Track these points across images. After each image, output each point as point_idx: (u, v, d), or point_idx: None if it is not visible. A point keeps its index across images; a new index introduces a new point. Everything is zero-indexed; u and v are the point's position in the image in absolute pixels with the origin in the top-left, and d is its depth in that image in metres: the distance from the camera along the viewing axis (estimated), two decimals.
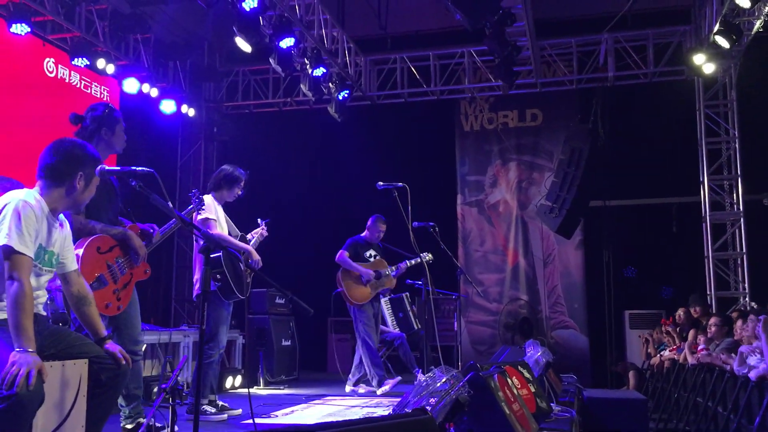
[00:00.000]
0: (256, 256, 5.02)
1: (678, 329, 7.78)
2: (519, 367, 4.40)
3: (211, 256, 4.65)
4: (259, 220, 5.45)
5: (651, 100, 9.67)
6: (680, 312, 7.95)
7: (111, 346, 2.87)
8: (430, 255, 7.08)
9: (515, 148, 10.53)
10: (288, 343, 8.29)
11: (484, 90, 10.14)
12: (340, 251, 6.88)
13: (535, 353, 5.34)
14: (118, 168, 2.94)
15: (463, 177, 10.68)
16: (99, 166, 2.88)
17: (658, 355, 7.94)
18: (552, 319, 10.04)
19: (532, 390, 4.37)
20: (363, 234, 7.10)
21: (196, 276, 5.04)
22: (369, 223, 7.09)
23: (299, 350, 8.51)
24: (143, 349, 4.02)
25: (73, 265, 3.02)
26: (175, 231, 4.14)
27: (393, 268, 6.96)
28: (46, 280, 2.87)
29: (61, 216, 2.96)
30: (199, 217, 4.75)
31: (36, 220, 2.69)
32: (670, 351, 7.59)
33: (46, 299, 2.89)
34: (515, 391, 3.81)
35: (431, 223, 6.21)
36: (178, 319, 10.04)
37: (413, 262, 6.98)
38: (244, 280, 4.87)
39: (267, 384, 7.60)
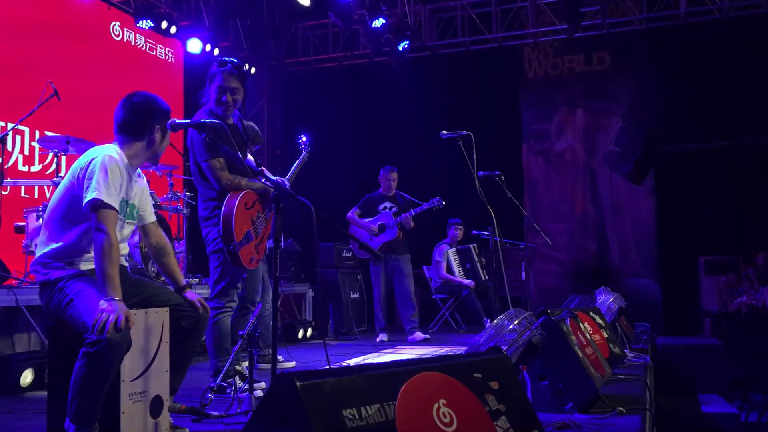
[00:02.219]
0: None
1: (757, 274, 7.52)
2: (591, 312, 4.35)
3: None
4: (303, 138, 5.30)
5: (726, 37, 9.18)
6: (760, 256, 7.67)
7: (190, 294, 2.96)
8: (442, 202, 6.94)
9: (582, 94, 10.21)
10: (356, 295, 8.40)
11: (548, 34, 9.83)
12: (353, 208, 6.94)
13: (606, 299, 5.26)
14: (188, 120, 2.99)
15: (528, 125, 10.46)
16: (169, 120, 2.92)
17: (736, 301, 7.70)
18: (623, 268, 9.83)
19: (605, 336, 4.31)
20: (379, 188, 7.06)
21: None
22: (380, 175, 7.05)
23: (368, 303, 8.62)
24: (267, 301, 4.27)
25: (151, 217, 3.10)
26: None
27: (397, 218, 6.87)
28: (128, 232, 2.96)
29: (138, 169, 3.03)
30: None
31: (120, 173, 2.77)
32: (748, 297, 7.36)
33: (128, 252, 3.00)
34: (588, 336, 3.77)
35: (497, 172, 6.12)
36: None
37: (419, 210, 6.88)
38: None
39: (337, 335, 7.75)
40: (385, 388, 1.62)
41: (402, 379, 1.67)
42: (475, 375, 1.86)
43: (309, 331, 7.40)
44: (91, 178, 2.71)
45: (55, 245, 2.77)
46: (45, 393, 3.80)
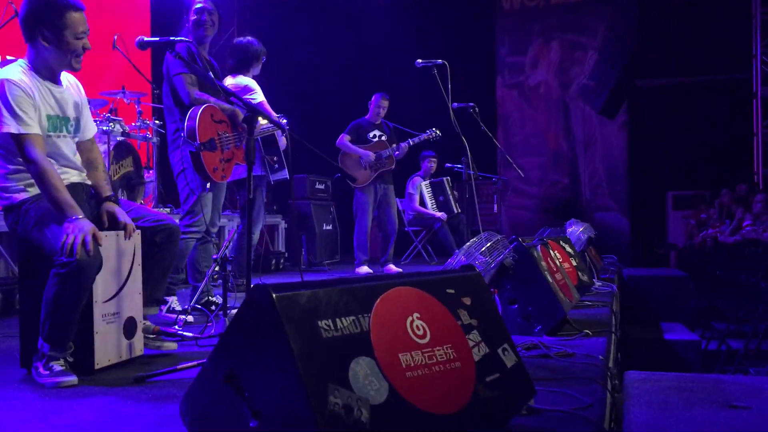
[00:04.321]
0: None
1: (723, 209, 7.68)
2: (561, 241, 4.41)
3: (266, 137, 4.71)
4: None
5: None
6: (724, 192, 7.81)
7: (110, 206, 2.82)
8: (437, 131, 6.91)
9: (557, 27, 10.11)
10: (329, 227, 8.43)
11: None
12: (341, 135, 6.76)
13: (576, 230, 5.34)
14: (157, 38, 2.89)
15: (503, 58, 10.38)
16: (138, 37, 2.82)
17: (701, 234, 7.88)
18: (593, 202, 9.97)
19: (574, 264, 4.40)
20: (366, 115, 6.94)
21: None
22: (371, 101, 6.91)
23: (340, 235, 8.65)
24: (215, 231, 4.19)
25: (90, 134, 2.94)
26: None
27: (394, 147, 6.80)
28: (72, 148, 2.82)
29: (72, 78, 2.87)
30: (258, 98, 4.65)
31: (27, 92, 2.60)
32: (713, 230, 7.53)
33: (79, 167, 2.86)
34: (557, 263, 3.84)
35: (471, 104, 6.07)
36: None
37: (416, 140, 6.83)
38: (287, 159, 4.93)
39: (310, 266, 7.79)
40: (360, 301, 1.63)
41: (377, 293, 1.68)
42: (449, 291, 1.88)
43: (282, 262, 7.43)
44: None
45: (7, 171, 2.69)
46: (13, 318, 3.79)
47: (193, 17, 3.95)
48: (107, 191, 2.87)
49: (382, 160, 6.69)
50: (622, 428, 2.15)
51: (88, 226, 2.49)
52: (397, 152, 6.73)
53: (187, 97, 3.74)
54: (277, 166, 4.77)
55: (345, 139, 6.70)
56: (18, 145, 2.57)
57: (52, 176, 2.57)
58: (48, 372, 2.47)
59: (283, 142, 4.80)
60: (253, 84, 4.67)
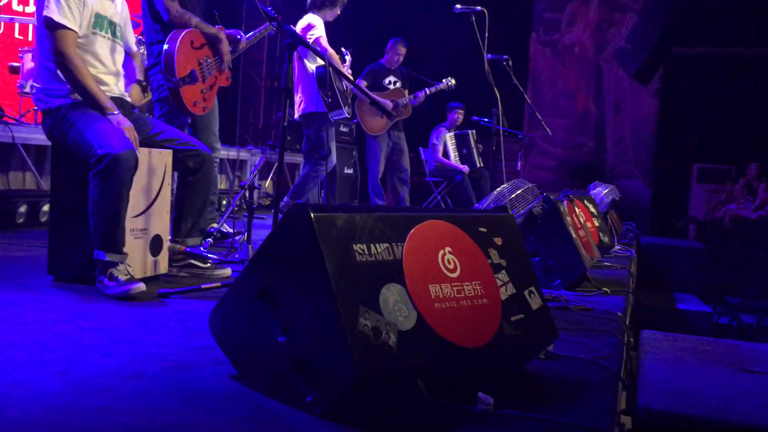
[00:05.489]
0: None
1: (747, 185, 7.58)
2: (585, 201, 4.39)
3: (320, 73, 4.71)
4: (342, 49, 5.34)
5: None
6: (752, 166, 7.70)
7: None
8: (453, 80, 6.80)
9: None
10: (350, 171, 8.42)
11: None
12: (357, 80, 6.63)
13: (600, 191, 5.31)
14: None
15: (540, 13, 10.14)
16: None
17: (723, 209, 7.81)
18: (616, 168, 9.87)
19: (596, 224, 4.38)
20: (382, 60, 6.83)
21: (299, 96, 5.05)
22: (387, 46, 6.78)
23: (360, 179, 8.64)
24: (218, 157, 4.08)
25: (134, 47, 3.05)
26: (248, 47, 4.08)
27: (411, 96, 6.71)
28: (120, 57, 2.87)
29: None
30: (316, 34, 4.70)
31: None
32: (737, 205, 7.45)
33: (123, 82, 2.91)
34: (581, 220, 3.83)
35: (505, 57, 5.97)
36: (243, 142, 10.25)
37: (433, 90, 6.74)
38: (347, 97, 4.92)
39: None
40: (394, 230, 1.64)
41: (411, 223, 1.69)
42: (481, 229, 1.88)
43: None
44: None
45: (49, 74, 2.71)
46: (39, 230, 3.86)
47: None
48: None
49: (399, 108, 6.64)
50: (636, 382, 2.17)
51: (126, 122, 2.54)
52: (413, 101, 6.66)
53: (166, 13, 3.53)
54: (330, 101, 4.75)
55: (362, 84, 6.63)
56: (53, 33, 2.60)
57: (82, 70, 2.61)
58: (114, 283, 2.50)
59: (345, 82, 4.80)
60: (315, 21, 4.79)
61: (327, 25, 5.11)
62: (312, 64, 4.90)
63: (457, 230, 1.80)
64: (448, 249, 1.74)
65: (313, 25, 4.76)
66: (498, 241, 1.91)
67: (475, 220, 1.90)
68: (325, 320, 1.46)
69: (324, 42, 4.79)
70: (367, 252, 1.56)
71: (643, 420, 1.83)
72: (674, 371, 2.19)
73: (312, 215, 1.50)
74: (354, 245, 1.54)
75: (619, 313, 2.82)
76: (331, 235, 1.51)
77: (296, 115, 5.21)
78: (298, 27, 4.92)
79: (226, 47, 3.60)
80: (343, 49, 5.34)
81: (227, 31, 3.71)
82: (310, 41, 4.76)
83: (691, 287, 6.55)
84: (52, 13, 2.58)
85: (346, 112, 5.00)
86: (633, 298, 3.77)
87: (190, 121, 3.71)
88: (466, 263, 1.76)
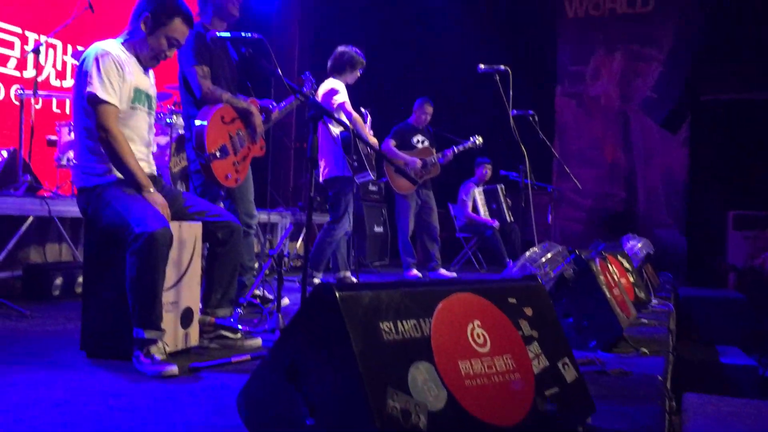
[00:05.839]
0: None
1: None
2: (619, 256, 4.32)
3: (345, 137, 4.81)
4: (362, 110, 5.44)
5: None
6: None
7: None
8: (480, 139, 6.86)
9: (622, 37, 9.90)
10: (380, 229, 8.43)
11: None
12: (386, 139, 6.75)
13: (634, 245, 5.22)
14: (229, 33, 2.94)
15: (564, 66, 10.20)
16: (210, 32, 2.87)
17: (762, 256, 7.62)
18: (650, 218, 9.73)
19: (631, 280, 4.30)
20: (410, 119, 6.92)
21: (323, 160, 5.14)
22: (415, 105, 6.88)
23: (390, 237, 8.65)
24: (255, 223, 4.16)
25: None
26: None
27: (439, 155, 6.76)
28: (153, 128, 2.94)
29: (150, 71, 2.98)
30: (340, 100, 4.81)
31: (115, 64, 2.71)
32: None
33: (152, 150, 2.98)
34: (615, 278, 3.76)
35: (530, 112, 6.00)
36: (274, 204, 10.35)
37: (461, 148, 6.80)
38: (371, 159, 4.98)
39: (359, 267, 7.80)
40: (421, 305, 1.62)
41: (438, 298, 1.67)
42: (510, 300, 1.85)
43: (331, 262, 7.45)
44: (86, 74, 2.69)
45: (87, 151, 2.78)
46: (75, 302, 3.90)
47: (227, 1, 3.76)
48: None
49: (427, 167, 6.71)
50: None
51: (163, 201, 2.59)
52: (441, 159, 6.73)
53: (198, 90, 3.64)
54: (356, 165, 4.82)
55: (391, 144, 6.72)
56: (96, 109, 2.67)
57: (124, 146, 2.68)
58: (149, 360, 2.51)
59: (372, 143, 4.88)
60: (338, 86, 4.89)
61: (350, 84, 5.22)
62: (336, 129, 4.99)
63: (485, 302, 1.78)
64: (477, 322, 1.71)
65: (337, 90, 4.86)
66: (528, 311, 1.87)
67: (504, 291, 1.87)
68: (353, 403, 1.43)
69: (348, 107, 4.88)
70: (394, 330, 1.53)
71: None
72: None
73: (337, 294, 1.48)
74: (380, 323, 1.52)
75: (659, 377, 2.73)
76: (357, 314, 1.49)
77: (321, 179, 5.28)
78: (321, 91, 5.02)
79: (258, 119, 3.70)
80: (362, 109, 5.42)
81: (261, 102, 3.81)
82: (334, 105, 4.85)
83: (733, 338, 6.35)
84: (96, 89, 2.66)
85: (371, 174, 5.05)
86: (673, 357, 3.66)
87: (224, 193, 3.77)
88: (497, 337, 1.72)
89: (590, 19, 10.00)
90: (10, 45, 6.09)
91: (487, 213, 8.26)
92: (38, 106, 5.81)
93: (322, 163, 5.21)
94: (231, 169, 3.57)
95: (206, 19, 3.80)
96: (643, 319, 4.19)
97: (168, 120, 5.71)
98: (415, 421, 1.43)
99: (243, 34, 2.92)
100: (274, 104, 3.91)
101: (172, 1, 2.82)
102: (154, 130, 2.99)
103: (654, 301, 4.93)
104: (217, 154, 3.38)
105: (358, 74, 5.18)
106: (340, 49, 5.11)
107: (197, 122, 3.44)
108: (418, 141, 6.84)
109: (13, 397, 2.16)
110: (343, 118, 4.90)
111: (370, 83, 9.75)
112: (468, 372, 1.60)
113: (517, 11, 9.94)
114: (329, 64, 5.13)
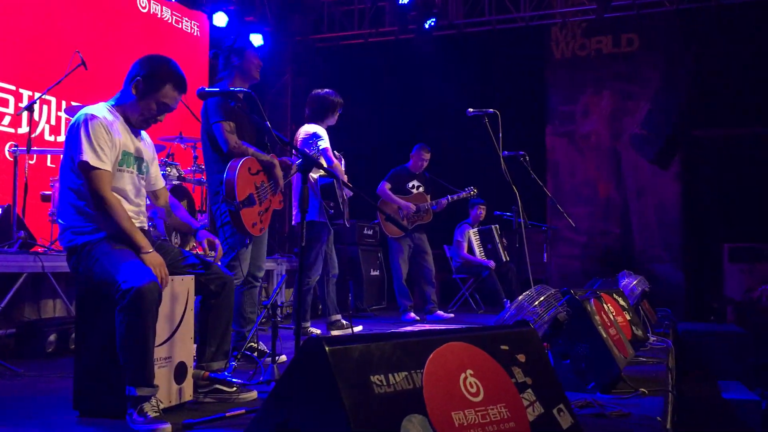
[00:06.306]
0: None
1: None
2: (614, 294, 4.32)
3: (324, 184, 4.82)
4: (336, 153, 5.47)
5: (760, 20, 8.97)
6: None
7: (203, 234, 2.97)
8: (475, 190, 6.98)
9: (609, 76, 10.06)
10: (377, 273, 8.42)
11: (576, 14, 9.68)
12: (382, 182, 6.81)
13: (630, 282, 5.22)
14: (218, 88, 2.99)
15: (554, 107, 10.34)
16: (199, 88, 2.91)
17: (759, 289, 7.61)
18: (645, 253, 9.74)
19: (628, 318, 4.28)
20: (407, 164, 6.99)
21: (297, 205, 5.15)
22: (413, 151, 6.96)
23: (387, 280, 8.63)
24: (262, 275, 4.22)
25: (161, 183, 3.12)
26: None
27: (433, 202, 6.85)
28: (143, 190, 2.95)
29: (143, 133, 3.00)
30: (323, 145, 4.83)
31: (105, 129, 2.73)
32: None
33: (147, 215, 3.00)
34: (611, 317, 3.75)
35: (521, 152, 6.06)
36: (270, 251, 10.34)
37: (455, 197, 6.92)
38: (346, 206, 5.00)
39: (357, 311, 7.77)
40: (412, 356, 1.62)
41: (429, 348, 1.67)
42: (502, 347, 1.85)
43: (322, 308, 7.41)
44: (75, 141, 2.70)
45: (73, 211, 2.78)
46: (69, 358, 3.86)
47: (253, 62, 3.93)
48: (195, 222, 3.08)
49: (420, 213, 6.76)
50: None
51: (160, 259, 2.59)
52: (435, 206, 6.80)
53: (225, 144, 3.74)
54: (332, 212, 4.85)
55: (386, 187, 6.77)
56: (88, 177, 2.68)
57: (120, 210, 2.70)
58: (143, 418, 2.48)
59: (346, 192, 4.92)
60: (321, 131, 4.88)
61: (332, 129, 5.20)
62: (314, 174, 4.98)
63: (477, 351, 1.77)
64: (469, 372, 1.70)
65: (319, 136, 4.84)
66: (521, 357, 1.87)
67: (496, 338, 1.87)
68: None
69: (330, 153, 4.89)
70: (385, 383, 1.53)
71: None
72: None
73: (327, 349, 1.48)
74: (372, 377, 1.51)
75: (659, 418, 2.71)
76: (348, 368, 1.49)
77: (294, 222, 5.29)
78: (301, 135, 4.99)
79: (279, 171, 3.84)
80: (336, 153, 5.44)
81: (280, 158, 3.92)
82: (318, 151, 4.86)
83: (734, 373, 6.31)
84: (88, 156, 2.67)
85: (345, 221, 5.08)
86: (673, 396, 3.62)
87: (248, 242, 3.83)
88: (490, 385, 1.71)
89: (577, 59, 10.17)
90: (4, 102, 6.15)
91: (482, 253, 8.27)
92: (32, 162, 5.84)
93: (294, 209, 5.24)
94: (257, 218, 3.71)
95: (228, 80, 3.93)
96: (641, 358, 4.17)
97: (162, 172, 5.73)
98: None
99: (232, 88, 2.97)
100: (294, 159, 4.01)
101: (166, 66, 2.85)
102: (144, 193, 2.99)
103: (652, 339, 4.90)
104: (246, 202, 3.54)
105: (337, 115, 5.17)
106: (318, 93, 5.07)
107: (226, 172, 3.59)
108: (413, 186, 6.90)
109: None
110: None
111: (359, 128, 9.90)
112: (462, 423, 1.59)
113: (504, 54, 10.11)
114: (308, 110, 5.09)
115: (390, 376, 1.54)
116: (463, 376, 1.68)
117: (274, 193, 3.88)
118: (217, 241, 2.95)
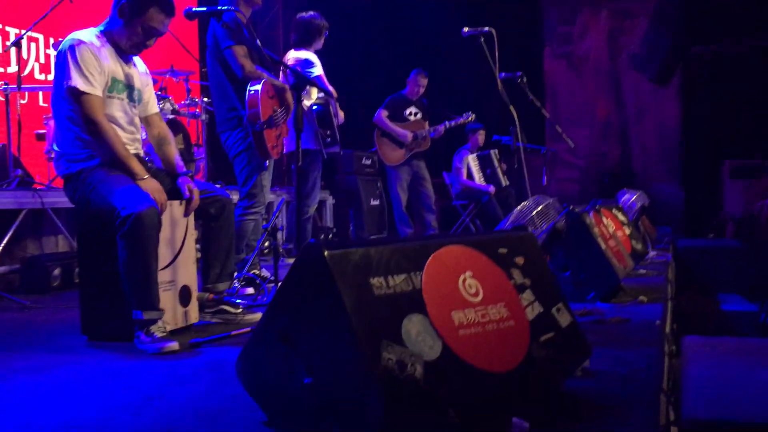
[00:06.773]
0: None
1: None
2: (613, 209, 4.33)
3: (320, 111, 4.73)
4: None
5: None
6: None
7: (183, 180, 2.88)
8: (473, 115, 6.88)
9: None
10: (377, 202, 8.41)
11: None
12: (379, 110, 6.71)
13: (629, 198, 5.23)
14: (204, 8, 2.92)
15: (551, 28, 10.13)
16: (186, 7, 2.84)
17: (758, 204, 7.62)
18: (645, 173, 9.72)
19: (627, 232, 4.30)
20: (404, 90, 6.89)
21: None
22: (409, 77, 6.84)
23: (387, 209, 8.63)
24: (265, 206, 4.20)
25: (154, 108, 3.04)
26: None
27: (431, 129, 6.76)
28: (136, 118, 2.91)
29: (136, 58, 2.94)
30: (316, 72, 4.68)
31: (93, 54, 2.69)
32: None
33: (141, 140, 2.96)
34: (610, 230, 3.77)
35: (518, 73, 5.96)
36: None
37: (453, 124, 6.82)
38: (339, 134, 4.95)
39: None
40: (411, 259, 1.62)
41: (428, 252, 1.67)
42: (501, 250, 1.85)
43: (330, 237, 7.47)
44: (64, 67, 2.67)
45: (70, 138, 2.76)
46: (75, 291, 3.91)
47: None
48: (179, 167, 2.93)
49: (418, 140, 6.69)
50: (680, 392, 2.10)
51: (157, 184, 2.58)
52: (433, 134, 6.73)
53: (240, 70, 3.66)
54: (329, 140, 4.78)
55: (383, 115, 6.68)
56: (79, 102, 2.65)
57: (113, 135, 2.68)
58: (150, 338, 2.52)
59: (341, 117, 4.83)
60: (312, 58, 4.73)
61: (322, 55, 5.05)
62: (308, 101, 4.86)
63: (476, 253, 1.78)
64: (468, 273, 1.71)
65: (312, 63, 4.68)
66: (520, 260, 1.88)
67: (494, 242, 1.87)
68: (348, 358, 1.44)
69: (325, 80, 4.75)
70: (385, 284, 1.54)
71: (690, 431, 1.77)
72: (718, 377, 2.12)
73: (326, 253, 1.49)
74: (371, 279, 1.52)
75: (658, 321, 2.75)
76: (347, 272, 1.49)
77: (285, 150, 5.23)
78: (290, 61, 4.79)
79: (290, 97, 3.76)
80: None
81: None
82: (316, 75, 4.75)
83: (735, 287, 6.39)
84: (77, 82, 2.63)
85: (339, 148, 5.02)
86: (673, 305, 3.68)
87: (266, 166, 3.81)
88: (489, 286, 1.73)
89: None
90: None
91: (482, 179, 8.25)
92: (24, 101, 5.77)
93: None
94: (275, 141, 3.68)
95: (234, 4, 3.79)
96: (641, 270, 4.22)
97: None
98: (411, 371, 1.44)
99: (219, 7, 2.90)
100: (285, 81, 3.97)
101: None
102: (138, 122, 2.95)
103: (652, 253, 4.95)
104: (269, 122, 3.50)
105: (324, 38, 5.00)
106: (303, 17, 4.84)
107: (252, 89, 3.50)
108: (410, 113, 6.82)
109: (16, 381, 2.17)
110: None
111: (354, 54, 9.72)
112: (462, 322, 1.61)
113: None
114: (294, 36, 4.87)
115: (389, 278, 1.55)
116: (462, 277, 1.69)
117: (284, 119, 3.84)
118: (196, 192, 2.85)
